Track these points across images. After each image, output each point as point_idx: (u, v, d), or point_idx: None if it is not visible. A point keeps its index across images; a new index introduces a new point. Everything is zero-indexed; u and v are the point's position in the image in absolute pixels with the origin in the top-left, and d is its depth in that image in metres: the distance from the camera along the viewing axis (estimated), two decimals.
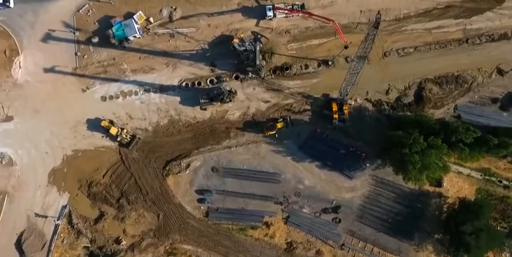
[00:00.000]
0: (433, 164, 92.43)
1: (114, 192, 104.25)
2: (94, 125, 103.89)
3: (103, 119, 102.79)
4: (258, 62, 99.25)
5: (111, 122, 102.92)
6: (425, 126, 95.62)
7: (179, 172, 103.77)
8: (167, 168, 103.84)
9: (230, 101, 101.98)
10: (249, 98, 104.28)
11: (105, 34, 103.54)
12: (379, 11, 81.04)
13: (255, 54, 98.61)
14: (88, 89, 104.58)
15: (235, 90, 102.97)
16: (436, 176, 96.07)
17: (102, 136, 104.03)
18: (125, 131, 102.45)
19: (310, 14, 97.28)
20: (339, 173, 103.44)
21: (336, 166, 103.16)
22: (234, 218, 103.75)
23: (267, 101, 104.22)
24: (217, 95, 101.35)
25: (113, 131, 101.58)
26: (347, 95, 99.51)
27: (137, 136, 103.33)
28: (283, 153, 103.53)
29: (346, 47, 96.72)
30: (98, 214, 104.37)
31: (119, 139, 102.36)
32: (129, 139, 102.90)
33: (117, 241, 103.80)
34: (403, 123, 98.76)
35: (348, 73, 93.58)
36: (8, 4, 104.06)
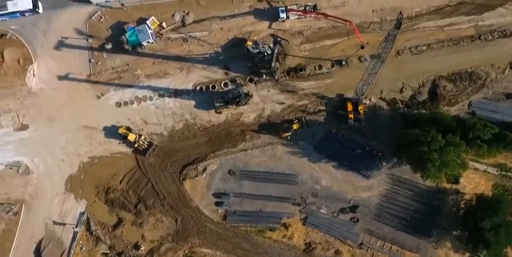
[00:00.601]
0: (451, 161, 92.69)
1: (132, 198, 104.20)
2: (109, 131, 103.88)
3: (120, 126, 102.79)
4: (273, 64, 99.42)
5: (129, 129, 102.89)
6: (441, 123, 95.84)
7: (196, 176, 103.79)
8: (184, 172, 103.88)
9: (246, 103, 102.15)
10: (264, 100, 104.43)
11: (118, 40, 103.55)
12: (401, 12, 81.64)
13: (271, 57, 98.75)
14: (103, 95, 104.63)
15: (251, 93, 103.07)
16: (455, 173, 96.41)
17: (119, 142, 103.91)
18: (142, 137, 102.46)
19: (326, 15, 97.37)
20: (355, 173, 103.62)
21: (352, 166, 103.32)
22: (252, 221, 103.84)
23: (282, 103, 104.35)
24: (232, 98, 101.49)
25: (131, 137, 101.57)
26: (363, 94, 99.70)
27: (154, 143, 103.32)
28: (299, 154, 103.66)
29: (362, 47, 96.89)
30: (116, 220, 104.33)
31: (136, 145, 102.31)
32: (146, 146, 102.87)
33: (136, 247, 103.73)
34: (419, 121, 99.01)
35: (365, 73, 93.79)
36: (37, 10, 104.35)
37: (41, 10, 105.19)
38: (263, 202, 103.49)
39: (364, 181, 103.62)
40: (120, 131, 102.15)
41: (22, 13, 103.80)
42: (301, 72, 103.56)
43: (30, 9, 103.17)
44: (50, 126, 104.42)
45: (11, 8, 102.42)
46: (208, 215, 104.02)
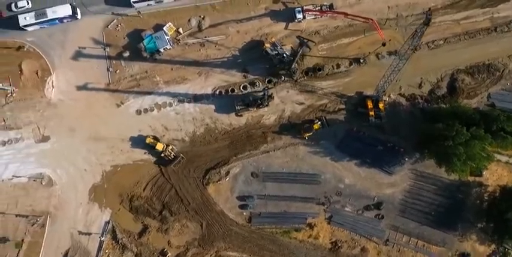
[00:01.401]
0: (477, 154, 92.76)
1: (156, 204, 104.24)
2: (131, 139, 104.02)
3: (147, 136, 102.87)
4: (293, 66, 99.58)
5: (156, 139, 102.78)
6: (463, 117, 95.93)
7: (219, 180, 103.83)
8: (207, 177, 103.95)
9: (267, 105, 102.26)
10: (283, 101, 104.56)
11: (135, 48, 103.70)
12: (429, 8, 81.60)
13: (294, 58, 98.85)
14: (122, 103, 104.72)
15: (273, 95, 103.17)
16: (480, 166, 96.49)
17: (141, 150, 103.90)
18: (170, 148, 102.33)
19: (347, 14, 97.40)
20: (378, 170, 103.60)
21: (375, 163, 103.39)
22: (277, 222, 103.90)
23: (301, 103, 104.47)
24: (253, 101, 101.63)
25: (159, 147, 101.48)
26: (384, 92, 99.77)
27: (181, 155, 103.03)
28: (321, 153, 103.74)
29: (384, 44, 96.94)
30: (142, 227, 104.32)
31: (162, 155, 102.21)
32: (172, 157, 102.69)
33: (163, 253, 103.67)
34: (439, 115, 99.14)
35: (388, 70, 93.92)
36: (76, 16, 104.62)
37: (79, 16, 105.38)
38: (287, 202, 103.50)
39: (387, 178, 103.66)
40: (148, 140, 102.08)
41: (61, 20, 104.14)
42: (320, 72, 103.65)
43: (70, 15, 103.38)
44: (70, 136, 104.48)
45: (50, 15, 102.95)
46: (233, 218, 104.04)
